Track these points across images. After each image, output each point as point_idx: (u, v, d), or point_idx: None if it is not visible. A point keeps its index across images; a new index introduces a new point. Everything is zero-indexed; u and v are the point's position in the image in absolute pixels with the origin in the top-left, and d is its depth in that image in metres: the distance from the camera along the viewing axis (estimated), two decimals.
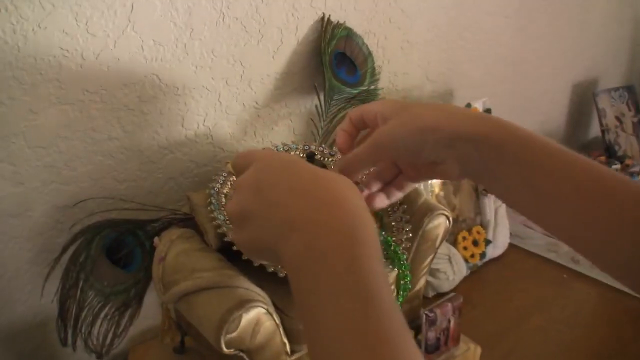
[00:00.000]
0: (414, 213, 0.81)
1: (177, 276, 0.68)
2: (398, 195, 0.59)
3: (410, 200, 0.82)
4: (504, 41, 1.36)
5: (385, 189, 0.58)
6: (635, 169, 1.47)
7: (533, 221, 0.50)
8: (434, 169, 0.52)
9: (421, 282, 0.87)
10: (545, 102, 1.62)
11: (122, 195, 0.82)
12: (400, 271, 0.73)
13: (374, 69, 1.04)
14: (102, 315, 0.73)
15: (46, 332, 0.83)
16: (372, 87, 1.02)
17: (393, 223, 0.80)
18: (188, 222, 0.78)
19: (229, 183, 0.81)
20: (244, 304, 0.63)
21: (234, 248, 0.69)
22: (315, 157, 0.74)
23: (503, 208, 1.25)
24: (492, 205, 1.23)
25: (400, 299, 0.75)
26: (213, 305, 0.64)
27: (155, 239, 0.74)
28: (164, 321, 0.78)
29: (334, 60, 0.97)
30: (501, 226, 1.24)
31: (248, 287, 0.66)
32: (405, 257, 0.74)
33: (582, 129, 1.85)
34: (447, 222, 0.84)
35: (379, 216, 0.81)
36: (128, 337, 0.78)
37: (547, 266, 1.23)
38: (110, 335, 0.74)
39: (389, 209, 0.82)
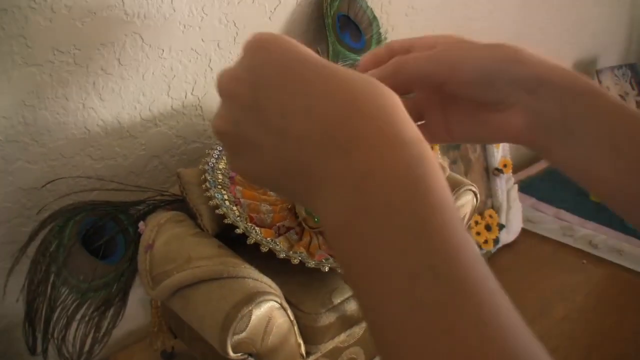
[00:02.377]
0: None
1: (169, 267, 0.59)
2: None
3: None
4: (509, 12, 1.28)
5: None
6: None
7: (606, 194, 0.41)
8: (488, 118, 0.43)
9: None
10: None
11: (98, 175, 0.72)
12: None
13: (379, 34, 0.94)
14: (78, 316, 0.64)
15: (11, 340, 0.74)
16: None
17: None
18: (178, 204, 0.70)
19: (224, 158, 0.70)
20: (254, 297, 0.53)
21: (237, 231, 0.59)
22: None
23: (515, 190, 1.16)
24: (504, 187, 1.14)
25: None
26: (216, 300, 0.54)
27: (141, 224, 0.66)
28: (154, 322, 0.68)
29: (337, 24, 0.86)
30: (514, 209, 1.15)
31: (256, 277, 0.56)
32: None
33: None
34: (475, 199, 0.75)
35: None
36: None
37: (564, 252, 1.14)
38: (88, 341, 0.64)
39: None
